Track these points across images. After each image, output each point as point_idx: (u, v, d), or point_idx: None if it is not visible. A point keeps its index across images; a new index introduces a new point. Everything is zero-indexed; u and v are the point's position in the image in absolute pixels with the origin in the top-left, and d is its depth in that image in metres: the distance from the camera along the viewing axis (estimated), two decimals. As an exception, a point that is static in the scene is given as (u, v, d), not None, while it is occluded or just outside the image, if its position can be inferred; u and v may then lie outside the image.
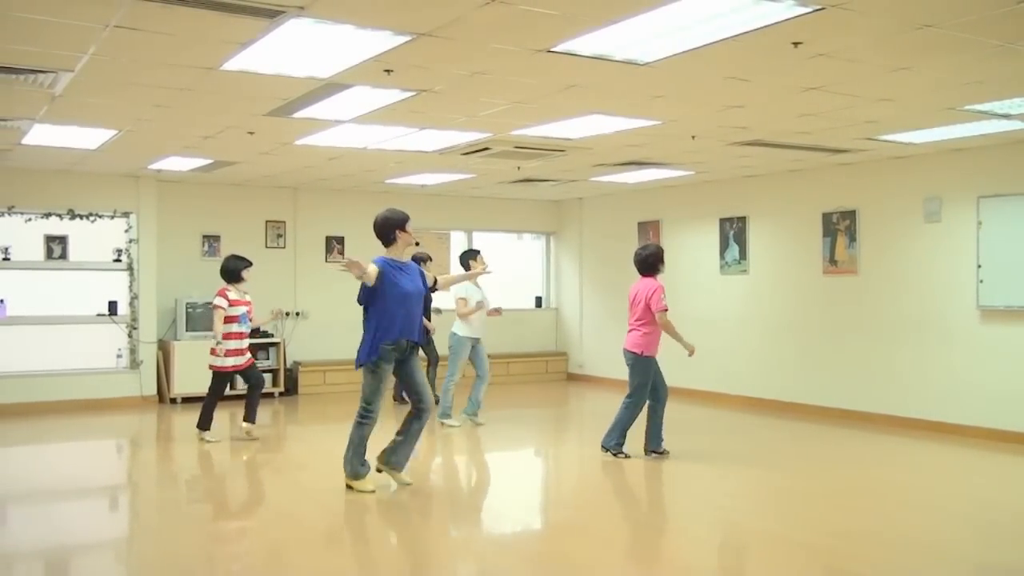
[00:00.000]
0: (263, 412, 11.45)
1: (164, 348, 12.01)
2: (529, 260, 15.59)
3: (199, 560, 5.52)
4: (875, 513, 6.52)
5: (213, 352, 9.11)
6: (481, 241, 14.66)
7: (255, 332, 12.43)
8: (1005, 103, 7.11)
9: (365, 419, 6.83)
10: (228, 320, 9.03)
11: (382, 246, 6.88)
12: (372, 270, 6.59)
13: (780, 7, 4.75)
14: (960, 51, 5.58)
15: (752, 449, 9.01)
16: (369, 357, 6.71)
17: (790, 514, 6.57)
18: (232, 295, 9.08)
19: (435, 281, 7.30)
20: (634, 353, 8.10)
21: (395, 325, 6.69)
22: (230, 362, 9.11)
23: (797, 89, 6.64)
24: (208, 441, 9.09)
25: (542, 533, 6.31)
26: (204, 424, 9.17)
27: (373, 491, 6.80)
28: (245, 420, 9.30)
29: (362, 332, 6.82)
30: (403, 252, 6.94)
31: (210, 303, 11.96)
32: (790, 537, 6.03)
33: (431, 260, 10.62)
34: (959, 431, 9.29)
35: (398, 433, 6.98)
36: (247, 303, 9.22)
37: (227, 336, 9.03)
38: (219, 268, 9.25)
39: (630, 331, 8.17)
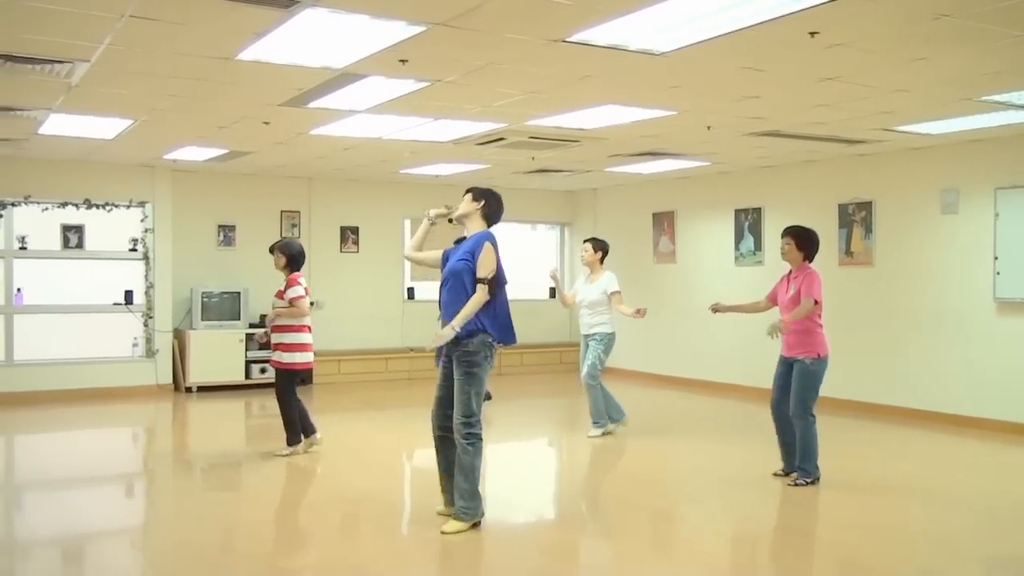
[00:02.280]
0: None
1: (180, 337, 12.07)
2: (543, 251, 15.58)
3: (215, 548, 5.55)
4: (889, 506, 6.50)
5: (286, 348, 7.79)
6: (495, 231, 14.63)
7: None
8: (1022, 94, 7.06)
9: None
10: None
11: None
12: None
13: (796, -3, 4.72)
14: (977, 41, 5.54)
15: (766, 441, 8.98)
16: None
17: (803, 506, 6.55)
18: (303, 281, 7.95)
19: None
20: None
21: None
22: (311, 356, 7.96)
23: (813, 79, 6.61)
24: (314, 445, 8.06)
25: (554, 523, 6.31)
26: (309, 430, 8.06)
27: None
28: (312, 433, 8.12)
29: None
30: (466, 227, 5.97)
31: (227, 292, 12.11)
32: (803, 529, 6.02)
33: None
34: (975, 423, 9.25)
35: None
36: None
37: (302, 328, 7.83)
38: (288, 252, 7.93)
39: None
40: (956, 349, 9.51)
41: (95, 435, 9.69)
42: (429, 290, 13.91)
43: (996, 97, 7.19)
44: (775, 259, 11.49)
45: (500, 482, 7.29)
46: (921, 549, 5.48)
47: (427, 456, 8.49)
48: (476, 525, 5.68)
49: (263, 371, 12.22)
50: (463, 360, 5.48)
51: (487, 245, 5.66)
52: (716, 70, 6.39)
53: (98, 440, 9.45)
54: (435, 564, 5.31)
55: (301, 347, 7.78)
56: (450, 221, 6.08)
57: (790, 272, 7.02)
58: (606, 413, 8.90)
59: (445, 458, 5.78)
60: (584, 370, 8.84)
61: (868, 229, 10.35)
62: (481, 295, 5.48)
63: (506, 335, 5.64)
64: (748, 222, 11.93)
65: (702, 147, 9.94)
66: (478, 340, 5.48)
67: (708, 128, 8.65)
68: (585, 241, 9.14)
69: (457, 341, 5.47)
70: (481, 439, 5.57)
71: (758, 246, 11.79)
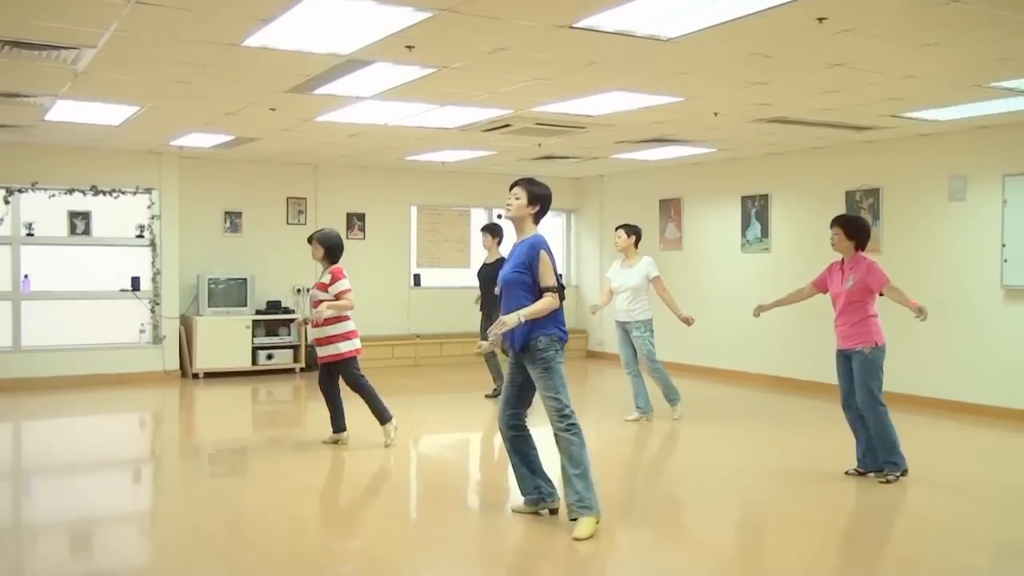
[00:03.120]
0: (284, 387, 11.56)
1: (186, 323, 12.09)
2: (549, 237, 15.52)
3: (222, 533, 5.57)
4: (896, 492, 6.50)
5: (337, 339, 7.71)
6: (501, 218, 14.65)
7: (279, 308, 12.53)
8: (1032, 80, 7.03)
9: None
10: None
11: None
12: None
13: (805, -18, 4.70)
14: (986, 27, 5.51)
15: (772, 427, 9.00)
16: None
17: (810, 492, 6.55)
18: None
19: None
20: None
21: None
22: (359, 343, 7.87)
23: (821, 65, 6.58)
24: (393, 434, 7.88)
25: (562, 509, 6.32)
26: (340, 426, 8.01)
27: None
28: (342, 429, 8.04)
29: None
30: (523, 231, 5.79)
31: (233, 279, 12.12)
32: (809, 515, 6.02)
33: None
34: (982, 411, 9.24)
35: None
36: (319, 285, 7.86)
37: (342, 319, 7.72)
38: (325, 244, 7.77)
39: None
40: (963, 336, 9.49)
41: (102, 421, 9.72)
42: (436, 277, 13.93)
43: (1005, 83, 7.15)
44: (782, 246, 11.52)
45: (507, 469, 7.30)
46: (926, 535, 5.48)
47: (436, 443, 8.55)
48: (554, 512, 5.68)
49: (270, 357, 12.27)
50: (539, 359, 5.45)
51: (543, 255, 5.59)
52: (724, 56, 6.36)
53: (105, 426, 9.48)
54: (444, 553, 5.32)
55: (349, 335, 7.72)
56: (499, 217, 6.06)
57: (843, 261, 6.86)
58: (646, 397, 9.01)
59: (520, 457, 5.72)
60: (644, 360, 8.90)
61: (875, 216, 10.32)
62: (552, 301, 5.48)
63: (565, 334, 5.62)
64: (755, 209, 11.90)
65: (709, 134, 9.91)
66: (545, 340, 5.45)
67: (715, 114, 8.63)
68: (617, 228, 9.11)
69: (525, 347, 5.46)
70: (578, 430, 5.46)
71: (765, 233, 11.76)
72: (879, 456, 6.73)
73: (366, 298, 13.41)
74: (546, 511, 5.72)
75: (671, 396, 9.06)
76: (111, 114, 8.79)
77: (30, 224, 11.33)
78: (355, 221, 13.38)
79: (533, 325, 5.43)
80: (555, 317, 5.53)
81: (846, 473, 6.85)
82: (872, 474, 6.77)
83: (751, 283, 11.91)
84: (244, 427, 9.35)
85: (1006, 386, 9.12)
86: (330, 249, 7.78)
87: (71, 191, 11.44)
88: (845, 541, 5.55)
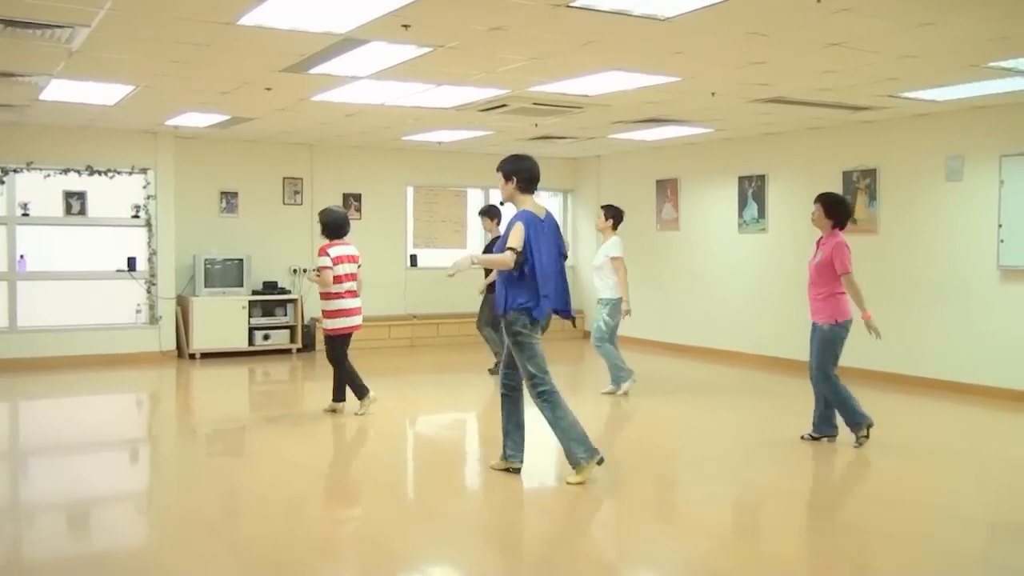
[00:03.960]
0: (281, 367, 11.57)
1: (183, 304, 12.09)
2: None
3: (220, 513, 5.58)
4: (891, 472, 6.53)
5: (325, 315, 8.21)
6: (498, 198, 14.60)
7: (276, 289, 12.52)
8: (1031, 60, 7.01)
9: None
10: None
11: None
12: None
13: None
14: (985, 6, 5.49)
15: (769, 408, 9.03)
16: None
17: (806, 473, 6.58)
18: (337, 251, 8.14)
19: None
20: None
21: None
22: (347, 322, 8.16)
23: (819, 45, 6.56)
24: (333, 410, 8.34)
25: (557, 489, 6.35)
26: (339, 397, 8.35)
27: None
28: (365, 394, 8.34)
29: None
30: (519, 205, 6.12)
31: (230, 259, 12.12)
32: (805, 496, 6.05)
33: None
34: (978, 391, 9.26)
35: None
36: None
37: (338, 295, 8.09)
38: (322, 220, 8.23)
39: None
40: (960, 316, 9.50)
41: (99, 402, 9.72)
42: (432, 257, 13.91)
43: (1003, 63, 7.13)
44: (778, 226, 11.52)
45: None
46: (922, 514, 5.50)
47: (432, 422, 8.57)
48: (517, 471, 6.14)
49: (266, 338, 12.28)
50: (510, 332, 5.92)
51: (516, 224, 5.92)
52: (721, 35, 6.34)
53: (102, 407, 9.49)
54: (440, 530, 5.34)
55: (333, 314, 8.10)
56: (502, 204, 6.56)
57: (820, 238, 7.15)
58: (621, 372, 9.27)
59: (506, 414, 6.18)
60: (593, 334, 9.33)
61: (872, 196, 10.32)
62: (506, 256, 5.80)
63: (543, 313, 5.92)
64: (752, 189, 11.89)
65: (706, 114, 9.89)
66: (513, 314, 5.86)
67: (712, 94, 8.61)
68: (601, 207, 9.50)
69: (504, 314, 5.92)
70: (552, 392, 5.92)
71: (762, 213, 11.76)
72: (834, 423, 7.15)
73: (363, 278, 13.42)
74: (514, 470, 6.15)
75: (616, 375, 9.31)
76: (106, 93, 8.76)
77: (25, 204, 11.30)
78: (351, 201, 13.35)
79: (508, 296, 5.88)
80: (528, 291, 5.85)
81: (801, 438, 7.21)
82: (826, 439, 7.15)
83: (748, 263, 11.92)
84: (241, 407, 9.36)
85: (1002, 366, 9.14)
86: (324, 225, 8.22)
87: (66, 171, 11.40)
88: (834, 518, 5.57)
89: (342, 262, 8.09)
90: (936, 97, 8.64)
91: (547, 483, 6.36)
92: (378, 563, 4.68)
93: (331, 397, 8.33)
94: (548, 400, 5.90)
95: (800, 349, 10.99)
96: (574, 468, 5.93)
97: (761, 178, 11.77)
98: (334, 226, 8.20)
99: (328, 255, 8.01)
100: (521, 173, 6.05)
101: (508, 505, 5.78)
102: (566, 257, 6.21)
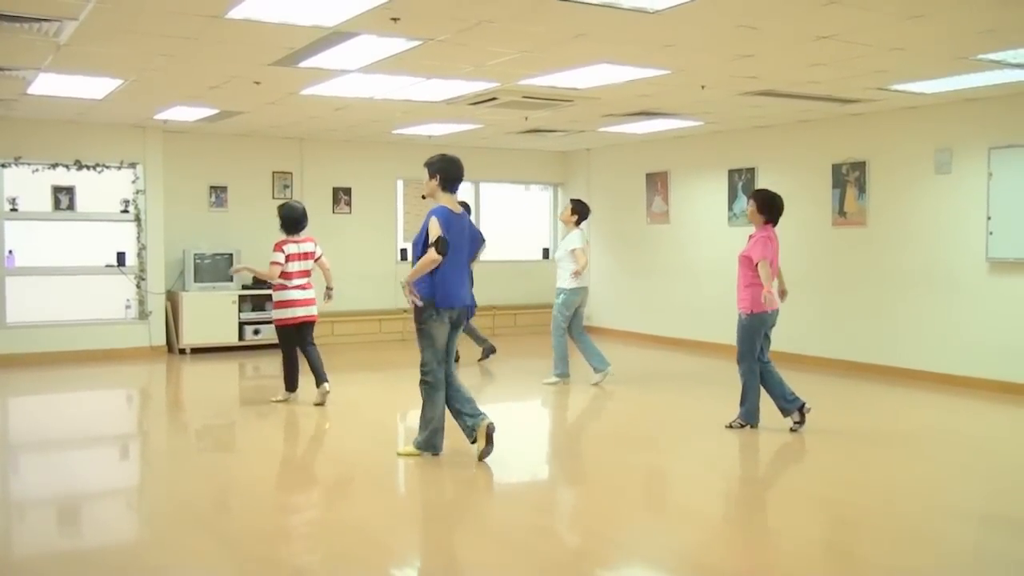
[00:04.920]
0: (271, 362, 11.55)
1: (172, 299, 12.06)
2: (536, 211, 15.57)
3: (210, 508, 5.58)
4: (881, 464, 6.56)
5: (275, 306, 8.63)
6: (488, 192, 14.63)
7: (266, 284, 12.49)
8: (1018, 52, 7.02)
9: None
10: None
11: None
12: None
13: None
14: (974, -1, 5.51)
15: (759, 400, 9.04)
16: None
17: (796, 464, 6.60)
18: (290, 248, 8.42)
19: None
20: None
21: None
22: (289, 313, 8.47)
23: (808, 38, 6.56)
24: (278, 400, 8.61)
25: (549, 483, 6.36)
26: (289, 386, 8.65)
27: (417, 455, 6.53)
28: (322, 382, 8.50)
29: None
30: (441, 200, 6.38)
31: (219, 254, 12.10)
32: (796, 487, 6.07)
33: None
34: (967, 383, 9.30)
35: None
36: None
37: (282, 287, 8.43)
38: (279, 214, 8.56)
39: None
40: (949, 309, 9.54)
41: (89, 397, 9.70)
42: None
43: (991, 56, 7.15)
44: (768, 219, 11.52)
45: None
46: (912, 506, 5.52)
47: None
48: (492, 428, 6.34)
49: (256, 332, 12.25)
50: (417, 319, 6.33)
51: (432, 219, 6.21)
52: (710, 28, 6.34)
53: (92, 402, 9.46)
54: (429, 522, 5.35)
55: (280, 304, 8.46)
56: (423, 198, 6.82)
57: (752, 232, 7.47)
58: (566, 363, 9.63)
59: (447, 403, 6.53)
60: (551, 326, 9.71)
61: (861, 189, 10.35)
62: (426, 256, 6.13)
63: (450, 301, 6.25)
64: (742, 182, 11.90)
65: (696, 107, 9.90)
66: (425, 301, 6.20)
67: (702, 87, 8.61)
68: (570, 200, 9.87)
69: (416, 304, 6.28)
70: (434, 386, 6.38)
71: (751, 206, 11.76)
72: (790, 396, 7.32)
73: (353, 272, 13.42)
74: (490, 429, 6.34)
75: (558, 368, 9.60)
76: (94, 87, 8.72)
77: (13, 199, 11.24)
78: (341, 195, 13.33)
79: (420, 286, 6.18)
80: (434, 281, 6.16)
81: (791, 430, 7.28)
82: (797, 413, 7.30)
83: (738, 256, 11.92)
84: (231, 402, 9.34)
85: (991, 358, 9.18)
86: (282, 219, 8.49)
87: (55, 166, 11.35)
88: (821, 509, 5.60)
89: (293, 259, 8.38)
90: (925, 90, 8.67)
91: (540, 477, 6.37)
92: (370, 556, 4.68)
93: (287, 385, 8.61)
94: (427, 390, 6.39)
95: (790, 341, 11.06)
96: (412, 444, 6.54)
97: (751, 171, 11.78)
98: (291, 221, 8.47)
99: (283, 251, 8.33)
100: (446, 172, 6.35)
101: (503, 500, 5.78)
102: (475, 257, 6.63)
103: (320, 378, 8.41)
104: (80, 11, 5.86)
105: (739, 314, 7.38)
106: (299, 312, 8.43)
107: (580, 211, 9.69)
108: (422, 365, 6.38)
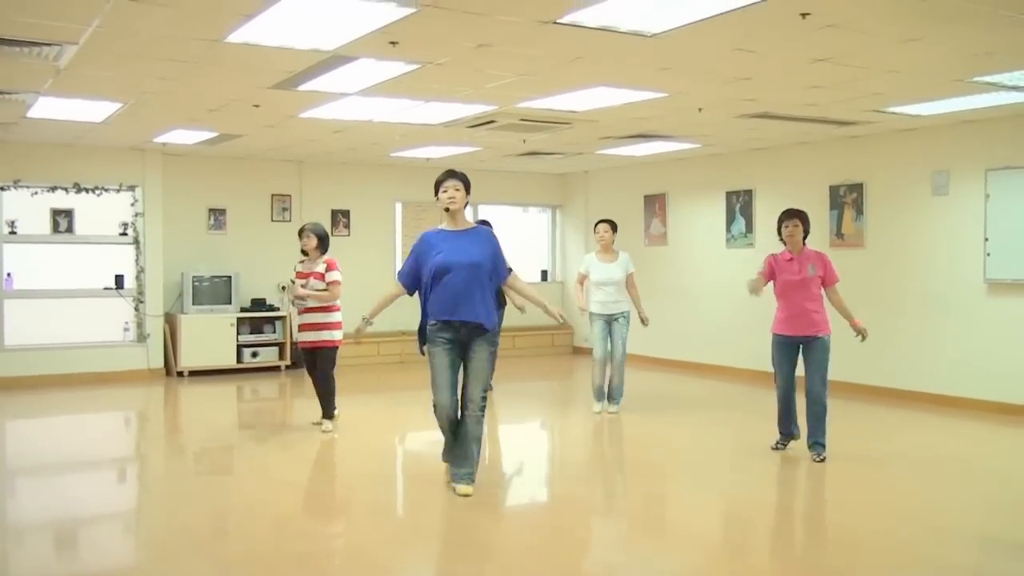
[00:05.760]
0: (269, 385, 11.53)
1: (171, 321, 12.04)
2: (535, 233, 15.58)
3: (208, 531, 5.55)
4: (879, 485, 6.54)
5: (334, 327, 8.25)
6: (486, 214, 14.63)
7: (264, 306, 12.48)
8: (1015, 74, 7.05)
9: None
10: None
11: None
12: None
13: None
14: (970, 22, 5.53)
15: (757, 422, 9.02)
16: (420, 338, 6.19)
17: (793, 485, 6.58)
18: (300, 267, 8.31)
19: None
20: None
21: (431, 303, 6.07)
22: (298, 337, 8.32)
23: (805, 61, 6.59)
24: (329, 427, 8.26)
25: (548, 505, 6.33)
26: (330, 412, 8.36)
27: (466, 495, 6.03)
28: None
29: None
30: (450, 218, 6.21)
31: (218, 276, 12.09)
32: (793, 509, 6.05)
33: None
34: (965, 404, 9.29)
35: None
36: (307, 274, 8.18)
37: (335, 308, 8.20)
38: (318, 233, 8.20)
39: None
40: (947, 330, 9.54)
41: (87, 420, 9.67)
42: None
43: (988, 78, 7.18)
44: (766, 241, 11.53)
45: (504, 463, 7.30)
46: (910, 528, 5.50)
47: (421, 439, 8.53)
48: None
49: (255, 355, 12.23)
50: (492, 342, 6.11)
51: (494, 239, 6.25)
52: (707, 51, 6.37)
53: (90, 425, 9.44)
54: (431, 546, 5.32)
55: (339, 325, 8.19)
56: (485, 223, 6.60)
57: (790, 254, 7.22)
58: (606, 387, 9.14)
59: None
60: (620, 350, 9.07)
61: (859, 211, 10.37)
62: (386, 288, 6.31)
63: (436, 323, 6.03)
64: (739, 204, 11.93)
65: (693, 129, 9.93)
66: (499, 325, 6.25)
67: (699, 110, 8.64)
68: (601, 223, 9.18)
69: (494, 327, 6.11)
70: (435, 415, 6.10)
71: (749, 228, 11.79)
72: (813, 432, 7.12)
73: (351, 294, 13.36)
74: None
75: (619, 392, 9.17)
76: (94, 111, 8.75)
77: (12, 222, 11.25)
78: (340, 218, 13.34)
79: (494, 309, 6.14)
80: (427, 307, 6.02)
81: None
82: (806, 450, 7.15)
83: (736, 278, 11.89)
84: (229, 425, 9.32)
85: (989, 379, 9.17)
86: (322, 239, 8.16)
87: (54, 188, 11.37)
88: (822, 530, 5.58)
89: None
90: (922, 112, 8.70)
91: (537, 499, 6.35)
92: (368, 581, 4.65)
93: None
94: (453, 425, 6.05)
95: (789, 363, 11.04)
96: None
97: (748, 193, 11.81)
98: (329, 239, 8.31)
99: (339, 270, 8.14)
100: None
101: (499, 522, 5.76)
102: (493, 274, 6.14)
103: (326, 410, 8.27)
104: (80, 35, 5.89)
105: (824, 337, 7.13)
106: (305, 336, 8.19)
107: (616, 228, 9.18)
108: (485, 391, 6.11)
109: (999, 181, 9.04)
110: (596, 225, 9.23)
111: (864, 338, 7.18)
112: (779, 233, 7.28)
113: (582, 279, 9.15)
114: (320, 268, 8.06)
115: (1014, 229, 8.90)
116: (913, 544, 5.23)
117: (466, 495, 5.96)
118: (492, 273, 6.05)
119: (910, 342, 9.89)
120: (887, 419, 9.01)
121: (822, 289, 7.14)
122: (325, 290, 8.02)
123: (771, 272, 7.31)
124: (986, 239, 9.14)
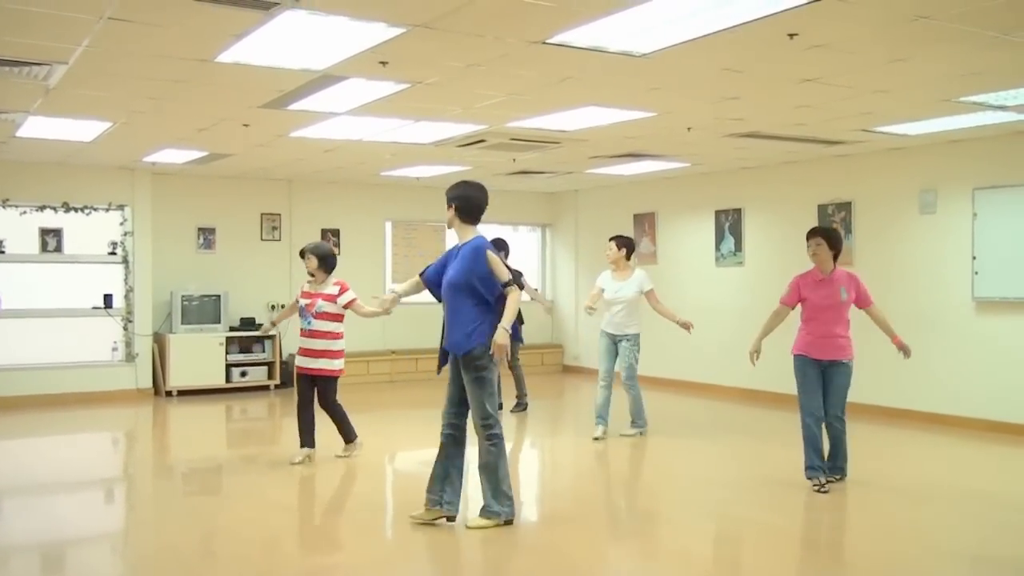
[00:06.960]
0: (259, 404, 11.49)
1: (159, 341, 12.00)
2: (525, 252, 15.59)
3: (196, 552, 5.51)
4: (870, 504, 6.53)
5: (336, 355, 7.82)
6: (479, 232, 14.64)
7: (253, 325, 12.43)
8: (1001, 94, 7.11)
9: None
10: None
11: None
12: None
13: (776, -2, 4.74)
14: (956, 42, 5.58)
15: (747, 440, 9.03)
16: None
17: (784, 505, 6.57)
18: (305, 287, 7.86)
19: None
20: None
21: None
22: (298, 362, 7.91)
23: (793, 80, 6.63)
24: (357, 451, 8.08)
25: (538, 524, 6.31)
26: (352, 436, 8.08)
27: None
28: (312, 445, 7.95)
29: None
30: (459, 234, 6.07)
31: (207, 295, 12.06)
32: (784, 528, 6.04)
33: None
34: (954, 422, 9.31)
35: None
36: (314, 295, 7.73)
37: (340, 335, 7.81)
38: (319, 254, 7.73)
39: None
40: (935, 349, 9.55)
41: (75, 440, 9.61)
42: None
43: (974, 98, 7.23)
44: (755, 259, 11.58)
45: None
46: (901, 547, 5.49)
47: (411, 459, 8.51)
48: (508, 523, 5.78)
49: (244, 375, 12.19)
50: (472, 367, 5.67)
51: (489, 255, 5.79)
52: (696, 71, 6.40)
53: (78, 445, 9.37)
54: (420, 566, 5.29)
55: (341, 354, 7.80)
56: (502, 248, 6.33)
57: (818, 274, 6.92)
58: (608, 411, 8.90)
59: (444, 455, 5.90)
60: (624, 372, 8.82)
61: (847, 230, 10.40)
62: (515, 295, 5.69)
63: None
64: (728, 223, 11.97)
65: (682, 148, 9.97)
66: (480, 348, 5.64)
67: (688, 129, 8.68)
68: (610, 240, 9.05)
69: (467, 354, 5.67)
70: (500, 438, 5.76)
71: (738, 247, 11.83)
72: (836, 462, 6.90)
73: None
74: (443, 519, 5.83)
75: (639, 418, 8.98)
76: (83, 130, 8.74)
77: (1, 241, 11.21)
78: (329, 237, 13.32)
79: (474, 331, 5.63)
80: (491, 324, 5.62)
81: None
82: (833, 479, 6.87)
83: (725, 297, 11.97)
84: (218, 445, 9.27)
85: (978, 398, 9.19)
86: (324, 259, 7.72)
87: (42, 208, 11.34)
88: (816, 551, 5.56)
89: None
90: (909, 131, 8.75)
91: (531, 519, 6.32)
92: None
93: (353, 432, 8.03)
94: (496, 445, 5.76)
95: (777, 381, 11.05)
96: (483, 517, 5.80)
97: (738, 211, 11.85)
98: (334, 259, 7.86)
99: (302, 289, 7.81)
100: (461, 201, 6.17)
101: (491, 544, 5.73)
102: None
103: (347, 434, 8.06)
104: (70, 55, 5.89)
105: (847, 363, 6.82)
106: (301, 362, 7.84)
107: (627, 244, 8.95)
108: (484, 419, 5.77)
109: (986, 200, 9.09)
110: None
111: (908, 355, 6.93)
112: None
113: (598, 293, 8.97)
114: (329, 290, 7.68)
115: (1002, 247, 8.95)
116: (908, 564, 5.22)
117: (420, 521, 5.81)
118: (470, 291, 5.64)
119: (898, 360, 9.87)
120: (876, 438, 9.01)
121: (861, 310, 6.89)
122: (347, 307, 7.67)
123: (796, 295, 6.95)
124: (974, 257, 9.18)
